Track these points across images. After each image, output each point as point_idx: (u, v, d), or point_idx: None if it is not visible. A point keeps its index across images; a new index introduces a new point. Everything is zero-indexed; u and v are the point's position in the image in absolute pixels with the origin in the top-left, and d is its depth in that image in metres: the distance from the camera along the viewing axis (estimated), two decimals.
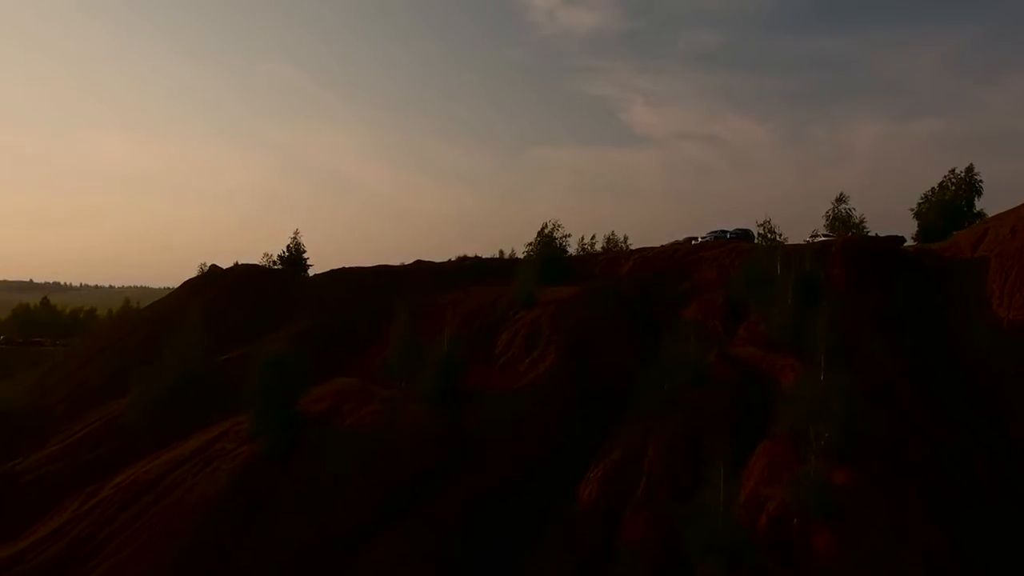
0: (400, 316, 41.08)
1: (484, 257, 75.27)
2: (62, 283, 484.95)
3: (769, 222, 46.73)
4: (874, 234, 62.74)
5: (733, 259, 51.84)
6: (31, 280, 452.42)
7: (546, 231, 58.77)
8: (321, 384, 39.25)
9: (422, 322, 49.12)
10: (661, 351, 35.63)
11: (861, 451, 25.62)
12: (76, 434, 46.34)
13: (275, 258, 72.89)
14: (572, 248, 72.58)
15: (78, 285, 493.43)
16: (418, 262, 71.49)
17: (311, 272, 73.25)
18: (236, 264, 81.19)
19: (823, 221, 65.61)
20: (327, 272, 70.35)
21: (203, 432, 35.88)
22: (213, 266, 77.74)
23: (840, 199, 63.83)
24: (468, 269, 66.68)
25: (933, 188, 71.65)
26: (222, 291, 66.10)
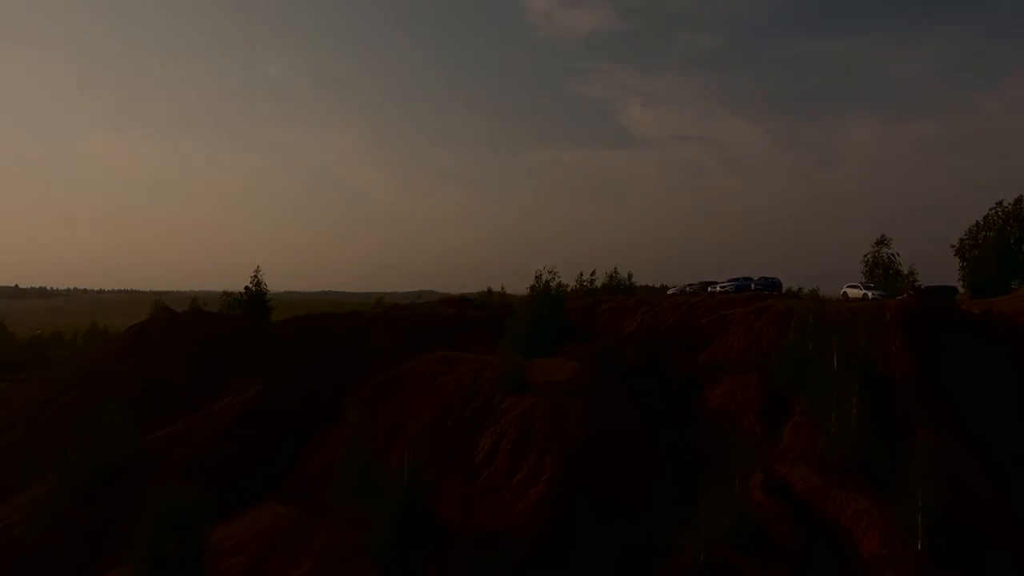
0: (351, 422, 32.39)
1: (469, 298, 67.04)
2: (48, 288, 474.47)
3: (817, 291, 38.19)
4: (921, 284, 54.38)
5: (765, 324, 43.14)
6: (16, 285, 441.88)
7: (541, 281, 50.09)
8: (247, 511, 30.74)
9: (386, 405, 40.73)
10: (690, 481, 27.08)
11: None
12: None
13: (235, 297, 64.48)
14: (571, 281, 64.81)
15: (65, 289, 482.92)
16: (394, 307, 63.41)
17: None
18: (194, 301, 73.16)
19: (861, 267, 57.35)
20: (289, 320, 61.75)
21: None
22: (165, 308, 69.32)
23: (881, 241, 55.51)
24: (449, 321, 58.02)
25: (977, 222, 63.51)
26: (167, 342, 57.31)
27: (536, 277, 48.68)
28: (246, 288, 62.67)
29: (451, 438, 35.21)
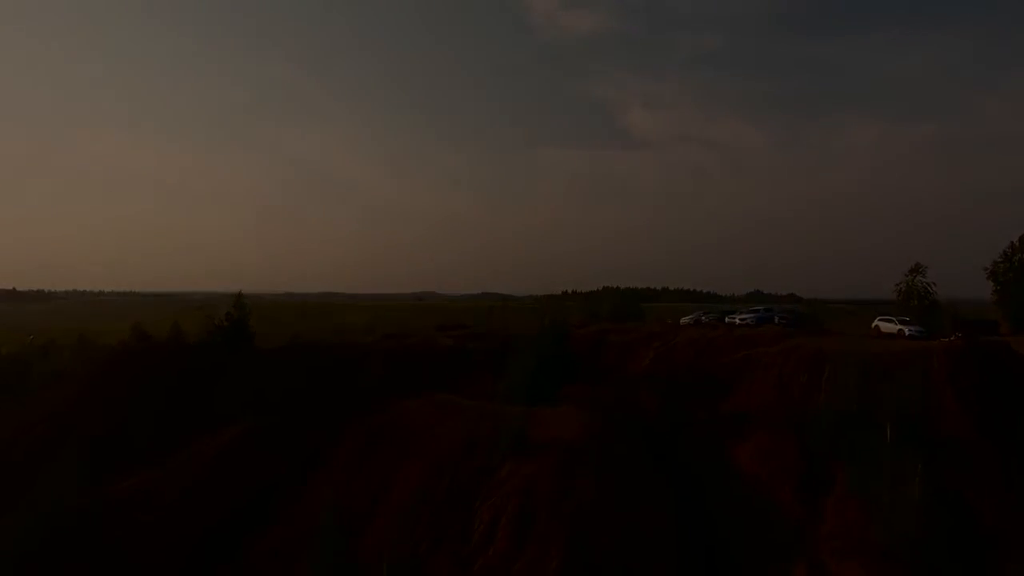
0: (325, 512, 28.25)
1: (469, 329, 62.72)
2: (46, 291, 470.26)
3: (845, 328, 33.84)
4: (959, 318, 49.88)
5: (796, 368, 38.77)
6: (14, 288, 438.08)
7: (547, 320, 45.79)
8: None
9: (372, 461, 36.52)
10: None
11: None
12: None
13: (216, 324, 60.09)
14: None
15: (64, 292, 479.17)
16: (385, 337, 59.17)
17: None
18: (173, 325, 69.00)
19: (893, 294, 52.78)
20: (276, 350, 57.55)
21: None
22: (141, 335, 65.07)
23: (916, 269, 50.87)
24: (446, 353, 53.69)
25: (1012, 243, 59.22)
26: (140, 377, 53.05)
27: (541, 319, 44.38)
28: (227, 315, 58.28)
29: (443, 509, 30.84)
